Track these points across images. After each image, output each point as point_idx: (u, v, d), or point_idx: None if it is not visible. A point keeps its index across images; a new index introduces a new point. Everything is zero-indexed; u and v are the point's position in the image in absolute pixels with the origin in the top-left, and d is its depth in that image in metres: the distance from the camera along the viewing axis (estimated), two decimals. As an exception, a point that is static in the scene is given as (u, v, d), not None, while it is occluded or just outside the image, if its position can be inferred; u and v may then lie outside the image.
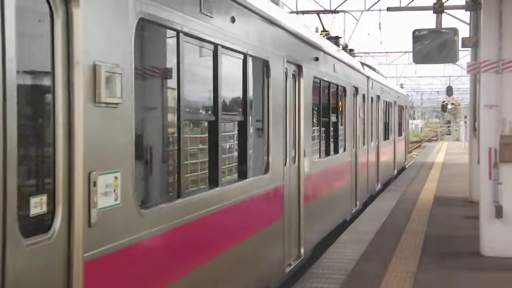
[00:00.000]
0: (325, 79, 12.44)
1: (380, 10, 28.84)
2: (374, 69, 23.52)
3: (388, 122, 24.73)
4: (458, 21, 20.10)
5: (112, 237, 4.47)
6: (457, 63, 37.19)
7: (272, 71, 8.66)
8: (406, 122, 33.68)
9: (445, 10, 17.14)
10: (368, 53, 49.52)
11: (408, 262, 10.63)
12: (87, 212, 4.15)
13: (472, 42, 16.44)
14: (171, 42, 5.61)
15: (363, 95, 17.89)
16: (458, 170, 26.75)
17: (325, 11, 18.97)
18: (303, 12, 20.13)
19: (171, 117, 5.71)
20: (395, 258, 10.95)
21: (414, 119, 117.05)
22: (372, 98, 19.70)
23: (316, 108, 11.92)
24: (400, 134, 29.20)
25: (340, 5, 27.53)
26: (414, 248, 11.71)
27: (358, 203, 16.63)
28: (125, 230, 4.62)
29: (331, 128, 13.41)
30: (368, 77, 18.85)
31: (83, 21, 4.10)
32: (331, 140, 13.40)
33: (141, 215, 4.84)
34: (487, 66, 10.95)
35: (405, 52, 50.85)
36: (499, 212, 10.85)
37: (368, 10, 28.36)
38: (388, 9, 20.58)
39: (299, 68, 10.34)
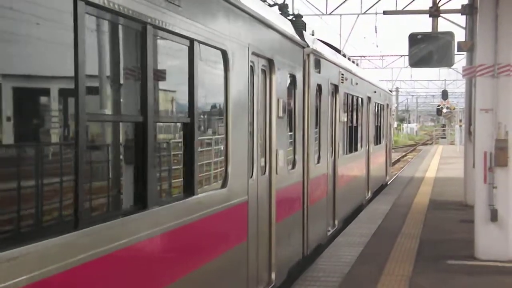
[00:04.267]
0: (127, 13, 4.86)
1: (376, 13, 28.98)
2: (338, 50, 16.79)
3: (358, 127, 17.72)
4: (454, 25, 20.16)
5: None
6: (452, 67, 37.30)
7: None
8: (388, 126, 26.17)
9: (441, 14, 17.20)
10: (363, 56, 49.69)
11: (403, 265, 10.64)
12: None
13: (468, 46, 16.50)
14: None
15: (293, 78, 10.45)
16: (452, 173, 26.78)
17: None
18: None
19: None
20: (390, 261, 10.96)
21: (409, 122, 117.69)
22: (320, 86, 12.31)
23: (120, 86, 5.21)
24: (378, 142, 22.55)
25: (337, 8, 27.74)
26: (409, 252, 11.72)
27: (275, 273, 9.14)
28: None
29: (188, 138, 6.17)
30: (306, 49, 11.27)
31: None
32: (185, 165, 6.15)
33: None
34: (483, 70, 10.97)
35: (401, 56, 51.11)
36: (494, 216, 10.87)
37: (364, 13, 28.50)
38: (385, 12, 20.62)
39: None
